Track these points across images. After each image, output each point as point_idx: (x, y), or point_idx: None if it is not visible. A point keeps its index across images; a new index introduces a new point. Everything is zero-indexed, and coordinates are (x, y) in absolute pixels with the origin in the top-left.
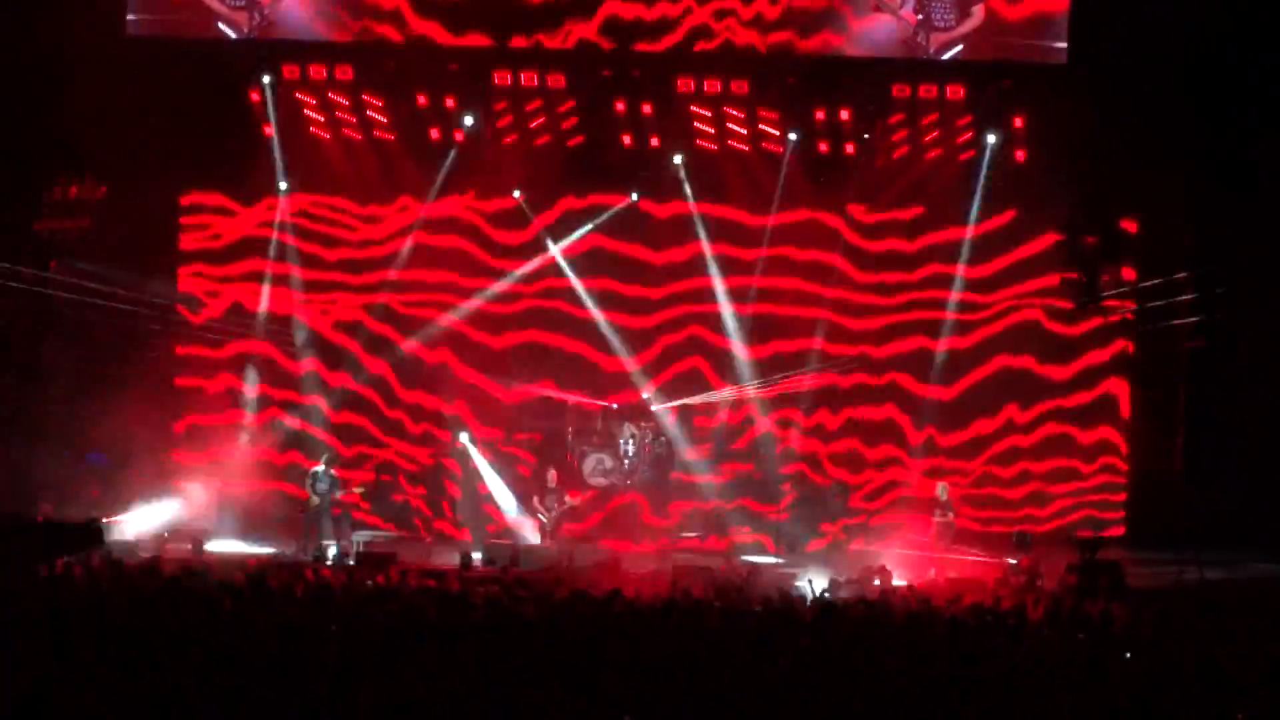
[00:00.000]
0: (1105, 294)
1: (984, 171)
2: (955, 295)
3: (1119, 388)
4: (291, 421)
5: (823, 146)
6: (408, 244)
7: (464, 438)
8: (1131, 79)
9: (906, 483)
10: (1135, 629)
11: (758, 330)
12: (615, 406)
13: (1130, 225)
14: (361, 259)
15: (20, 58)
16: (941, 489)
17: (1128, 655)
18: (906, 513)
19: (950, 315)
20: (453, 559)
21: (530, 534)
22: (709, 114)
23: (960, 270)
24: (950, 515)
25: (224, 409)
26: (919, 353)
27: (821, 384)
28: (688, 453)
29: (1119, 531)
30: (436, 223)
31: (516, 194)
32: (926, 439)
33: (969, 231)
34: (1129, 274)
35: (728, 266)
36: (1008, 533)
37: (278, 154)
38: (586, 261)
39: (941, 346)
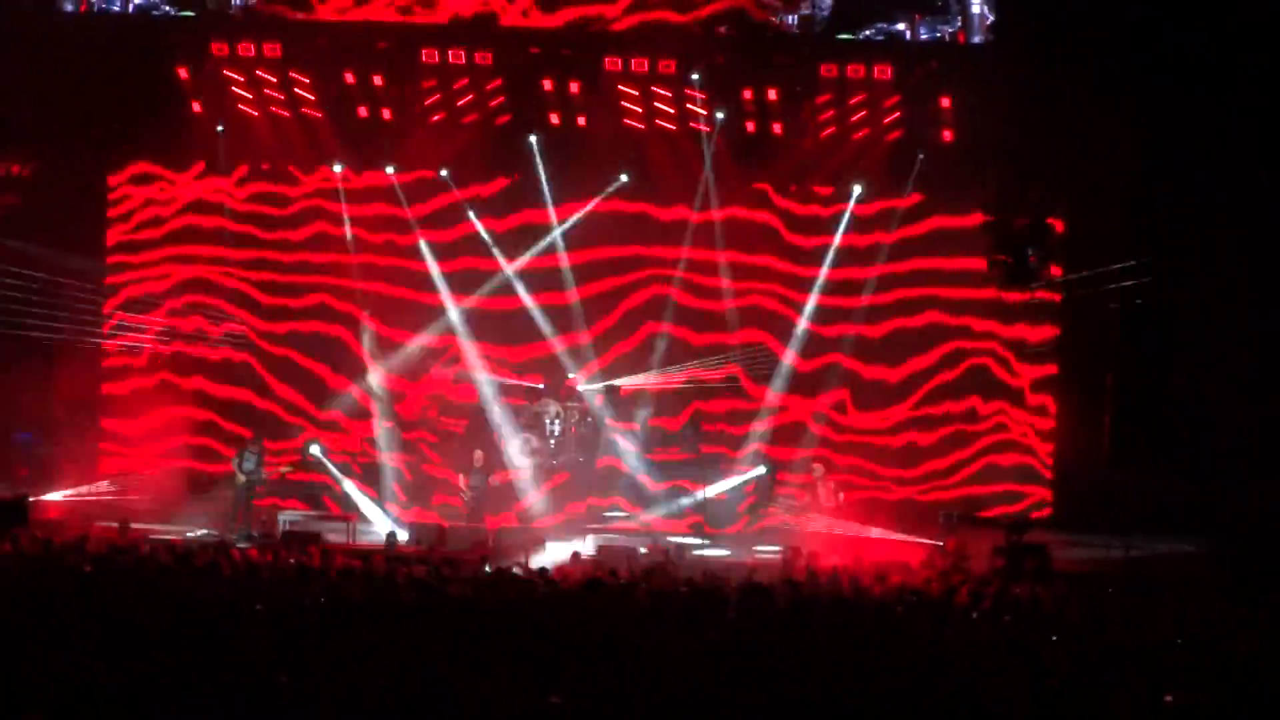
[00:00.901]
0: (1033, 275)
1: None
2: (880, 275)
3: (1047, 369)
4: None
5: (750, 126)
6: (344, 222)
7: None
8: (1057, 58)
9: (831, 463)
10: (1061, 611)
11: (684, 313)
12: (541, 386)
13: (1058, 208)
14: (291, 237)
15: None
16: (816, 470)
17: (1054, 638)
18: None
19: (879, 298)
20: (378, 537)
21: (382, 522)
22: (636, 93)
23: (887, 251)
24: (828, 497)
25: (150, 390)
26: (846, 334)
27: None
28: (614, 433)
29: (1045, 513)
30: (361, 199)
31: (443, 173)
32: (849, 420)
33: (896, 211)
34: (1055, 269)
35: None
36: (933, 514)
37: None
38: (515, 239)
39: (871, 330)
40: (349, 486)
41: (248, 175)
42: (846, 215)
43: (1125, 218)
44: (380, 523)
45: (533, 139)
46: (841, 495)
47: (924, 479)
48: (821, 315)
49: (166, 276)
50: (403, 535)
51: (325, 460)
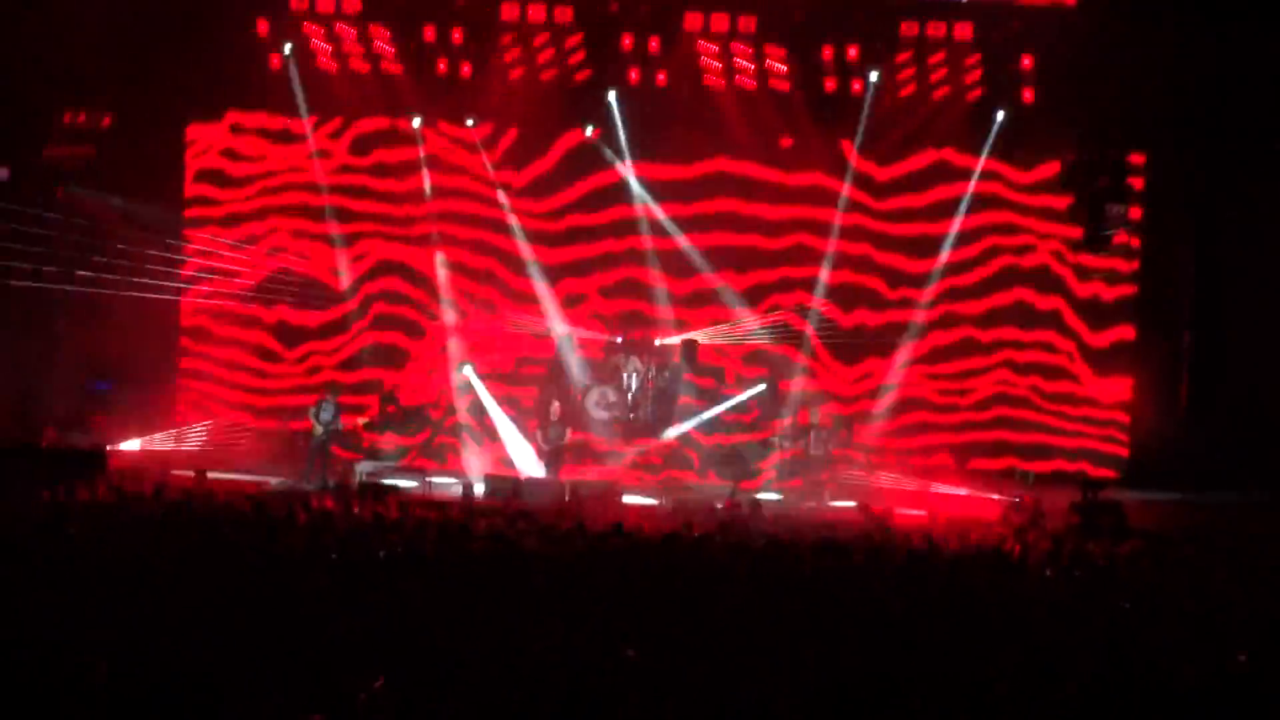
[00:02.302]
0: (1112, 233)
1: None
2: (960, 232)
3: (1124, 328)
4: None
5: (829, 84)
6: (423, 177)
7: (467, 370)
8: (1140, 20)
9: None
10: (1137, 569)
11: (757, 263)
12: (620, 340)
13: (1138, 160)
14: (371, 189)
15: None
16: (814, 413)
17: (1127, 599)
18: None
19: (956, 255)
20: (455, 491)
21: (533, 467)
22: (715, 50)
23: (965, 209)
24: (826, 444)
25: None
26: (928, 289)
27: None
28: (692, 388)
29: (1120, 472)
30: (443, 155)
31: (519, 128)
32: (926, 376)
33: (976, 170)
34: (1135, 213)
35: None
36: (1010, 471)
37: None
38: (594, 195)
39: (947, 284)
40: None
41: (325, 129)
42: (926, 173)
43: (1206, 176)
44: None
45: (611, 95)
46: (828, 446)
47: (999, 434)
48: (899, 276)
49: (243, 227)
50: (479, 488)
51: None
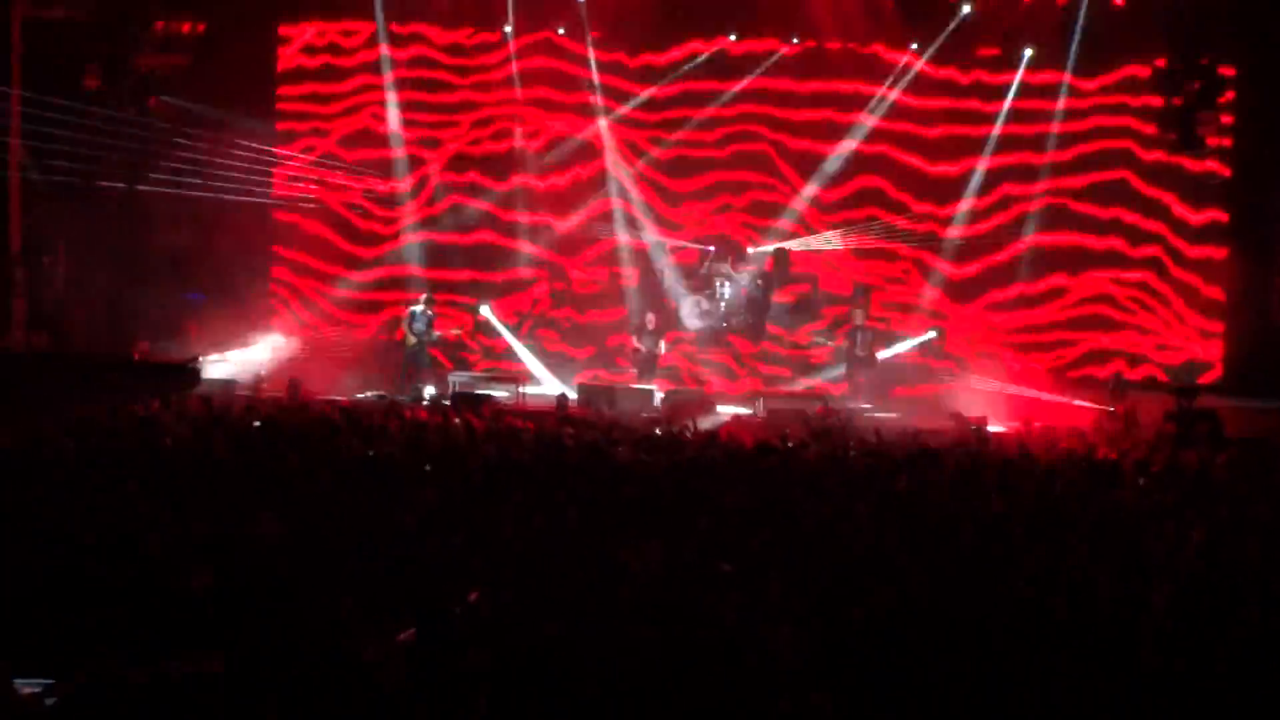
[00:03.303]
0: (1203, 138)
1: (1082, 14)
2: (1051, 143)
3: (1216, 236)
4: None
5: None
6: (513, 74)
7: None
8: None
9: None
10: (1233, 478)
11: (846, 172)
12: (712, 250)
13: (1228, 70)
14: (467, 94)
15: None
16: (856, 315)
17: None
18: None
19: (1047, 158)
20: (548, 400)
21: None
22: None
23: (1057, 120)
24: (871, 345)
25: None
26: (1012, 201)
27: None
28: (785, 297)
29: (1216, 376)
30: (529, 57)
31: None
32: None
33: (1066, 77)
34: (1227, 119)
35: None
36: (1104, 379)
37: None
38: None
39: (1037, 194)
40: (519, 348)
41: (418, 34)
42: (1017, 81)
43: None
44: (550, 384)
45: None
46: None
47: (1094, 339)
48: (991, 179)
49: (335, 134)
50: (572, 396)
51: (495, 321)
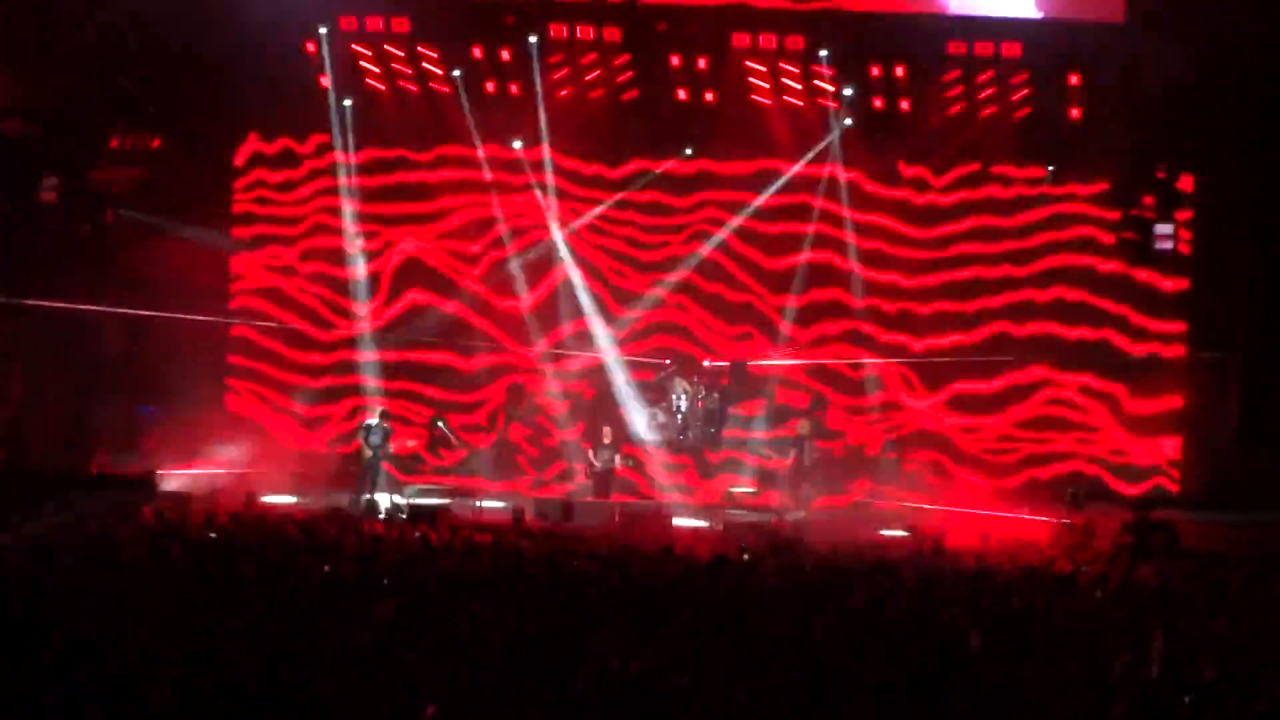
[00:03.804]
0: (1159, 250)
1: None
2: (1007, 252)
3: (1174, 348)
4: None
5: (877, 103)
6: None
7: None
8: (1186, 34)
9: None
10: (1191, 592)
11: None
12: (669, 363)
13: (1186, 184)
14: (417, 211)
15: (78, 6)
16: (802, 426)
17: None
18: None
19: (1003, 271)
20: (505, 514)
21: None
22: (764, 69)
23: (1015, 229)
24: (808, 452)
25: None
26: (970, 313)
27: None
28: (740, 410)
29: (1174, 490)
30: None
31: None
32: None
33: (1024, 191)
34: (1184, 233)
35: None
36: (1062, 492)
37: (334, 105)
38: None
39: (994, 302)
40: (476, 461)
41: (373, 150)
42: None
43: (1259, 195)
44: (506, 498)
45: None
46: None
47: (1049, 457)
48: (949, 291)
49: (290, 248)
50: (529, 510)
51: (450, 434)
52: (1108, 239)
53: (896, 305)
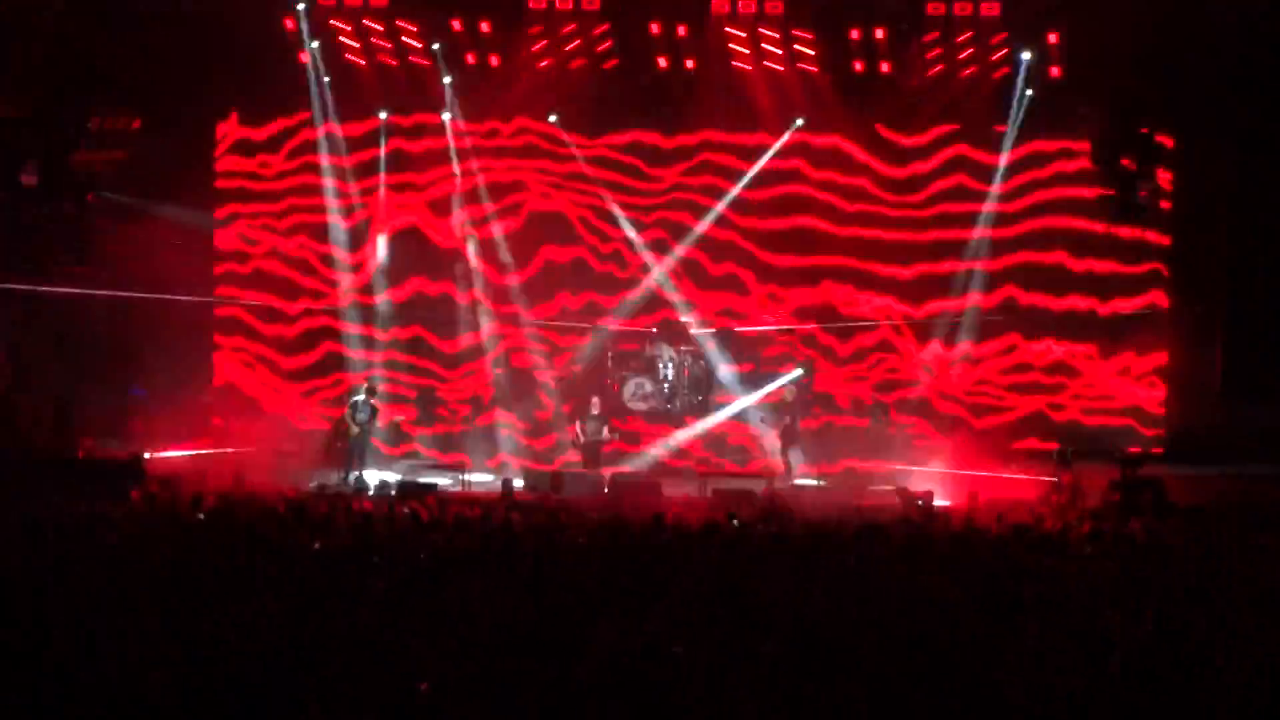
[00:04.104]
0: (1141, 206)
1: (1019, 89)
2: (989, 212)
3: (1159, 302)
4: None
5: (857, 66)
6: (454, 169)
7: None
8: None
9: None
10: (1178, 545)
11: (793, 246)
12: (655, 330)
13: (1167, 140)
14: (402, 182)
15: None
16: (789, 392)
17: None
18: (944, 432)
19: (984, 233)
20: (494, 487)
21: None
22: (744, 35)
23: (995, 188)
24: (791, 417)
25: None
26: (951, 273)
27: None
28: (727, 374)
29: (1159, 448)
30: (479, 146)
31: (552, 118)
32: (964, 354)
33: (1003, 151)
34: (1165, 188)
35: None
36: (1048, 450)
37: (314, 81)
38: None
39: (976, 265)
40: (465, 436)
41: (354, 124)
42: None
43: (1236, 150)
44: (495, 472)
45: None
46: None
47: (1037, 413)
48: (934, 251)
49: (273, 228)
50: (518, 482)
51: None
52: (1090, 195)
53: (884, 268)
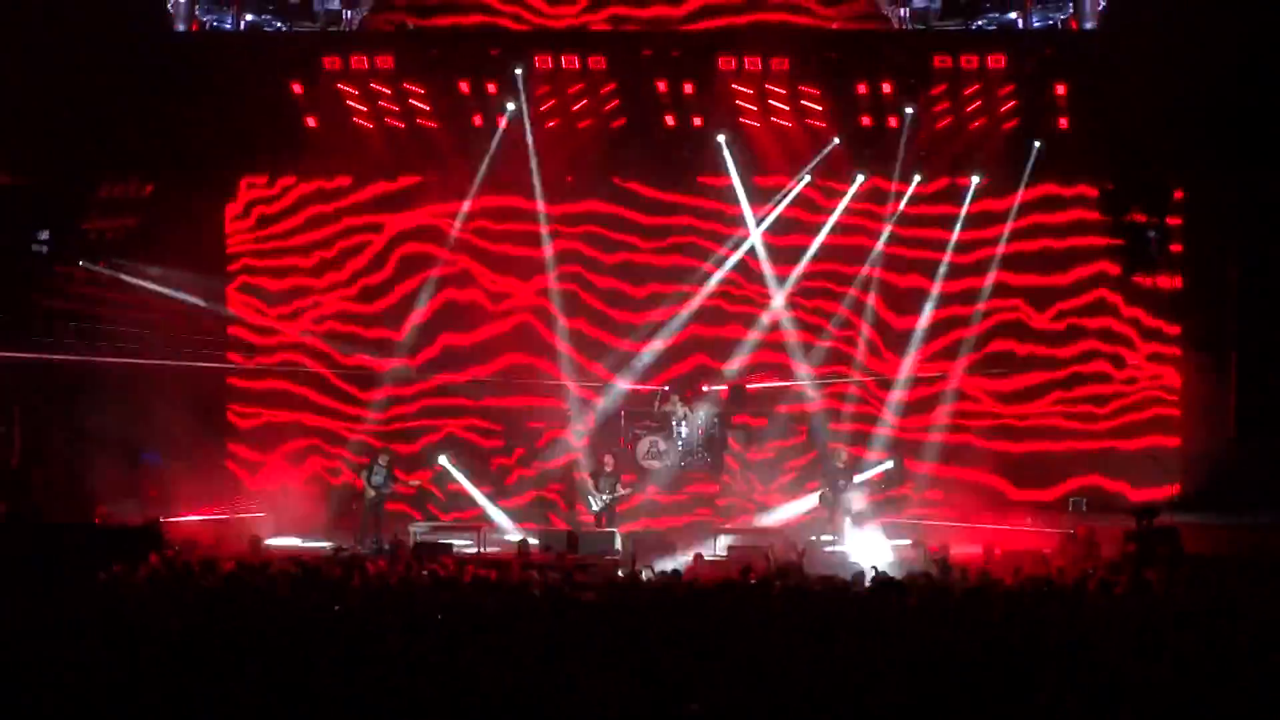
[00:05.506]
0: (1153, 257)
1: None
2: (999, 260)
3: (1170, 350)
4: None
5: (865, 120)
6: (454, 231)
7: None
8: (1170, 41)
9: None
10: (1193, 596)
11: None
12: (667, 388)
13: (1176, 192)
14: (411, 252)
15: (66, 55)
16: (840, 454)
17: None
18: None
19: (995, 279)
20: (509, 547)
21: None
22: (751, 92)
23: (1006, 238)
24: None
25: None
26: (965, 321)
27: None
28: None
29: (1175, 488)
30: (485, 211)
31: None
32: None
33: (1017, 199)
34: (1175, 240)
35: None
36: (1062, 502)
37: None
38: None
39: (991, 314)
40: (478, 495)
41: (362, 187)
42: (966, 204)
43: (1243, 197)
44: (511, 530)
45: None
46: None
47: (1051, 465)
48: (944, 300)
49: (287, 288)
50: (533, 542)
51: (452, 469)
52: (1100, 243)
53: (898, 320)
